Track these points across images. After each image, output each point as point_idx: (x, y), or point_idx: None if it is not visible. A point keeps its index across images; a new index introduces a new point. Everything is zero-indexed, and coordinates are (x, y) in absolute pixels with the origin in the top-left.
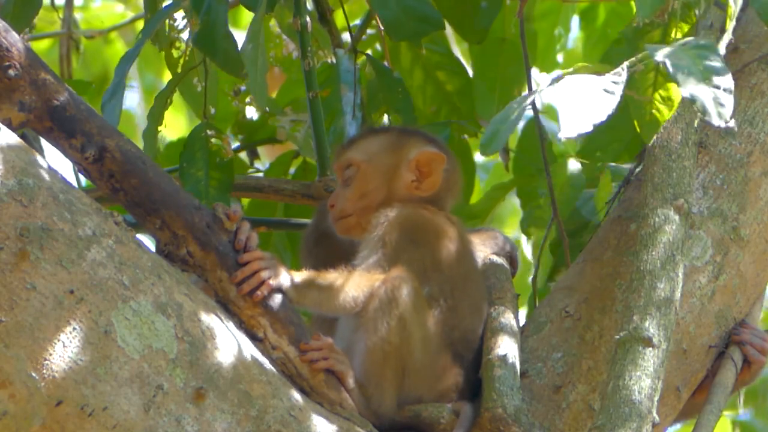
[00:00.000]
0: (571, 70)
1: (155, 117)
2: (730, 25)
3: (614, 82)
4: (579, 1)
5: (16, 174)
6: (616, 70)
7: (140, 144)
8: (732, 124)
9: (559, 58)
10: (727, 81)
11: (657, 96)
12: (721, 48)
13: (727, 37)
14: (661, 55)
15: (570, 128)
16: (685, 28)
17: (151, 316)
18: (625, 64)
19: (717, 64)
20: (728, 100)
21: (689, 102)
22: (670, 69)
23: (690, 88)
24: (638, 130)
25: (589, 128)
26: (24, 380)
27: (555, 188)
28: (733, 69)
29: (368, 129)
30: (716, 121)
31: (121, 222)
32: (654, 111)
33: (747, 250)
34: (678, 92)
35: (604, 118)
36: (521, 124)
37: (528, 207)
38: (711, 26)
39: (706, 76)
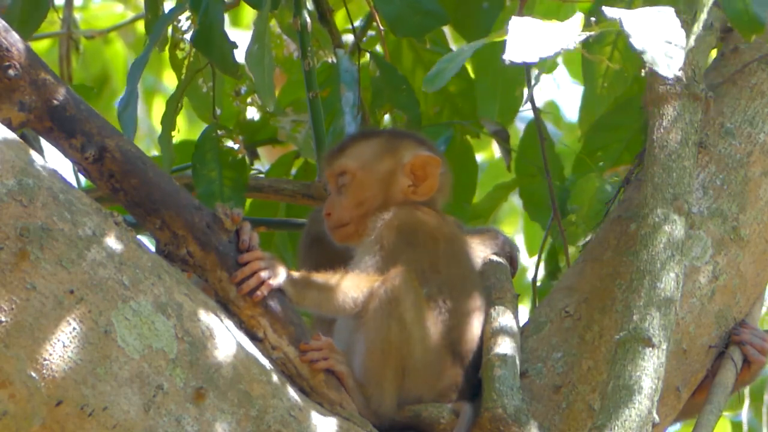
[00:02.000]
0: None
1: (168, 122)
2: (705, 10)
3: (566, 28)
4: (579, 0)
5: (16, 174)
6: (572, 19)
7: (142, 145)
8: (680, 74)
9: (559, 59)
10: (678, 38)
11: (611, 71)
12: (696, 28)
13: (702, 16)
14: (616, 12)
15: (517, 55)
16: None
17: (151, 316)
18: (578, 14)
19: (671, 22)
20: (678, 54)
21: (640, 54)
22: (623, 24)
23: (641, 40)
24: (588, 102)
25: (534, 59)
26: (24, 380)
27: (584, 204)
28: (734, 69)
29: (358, 134)
30: (664, 72)
31: (121, 222)
32: (606, 85)
33: (747, 250)
34: (632, 67)
35: (551, 53)
36: (522, 125)
37: (540, 211)
38: (711, 26)
39: (658, 31)
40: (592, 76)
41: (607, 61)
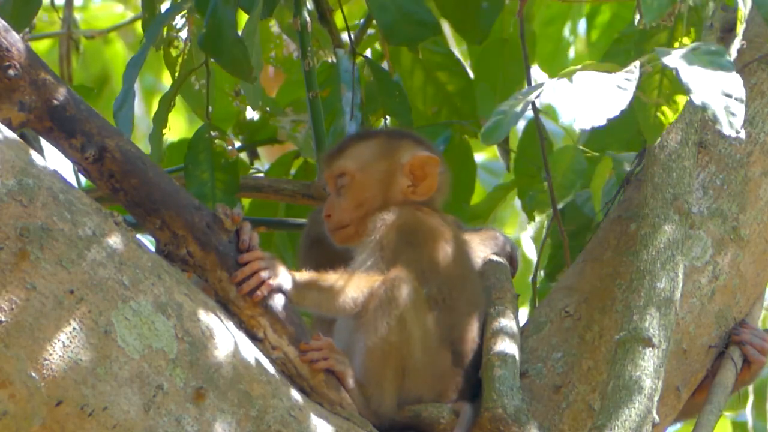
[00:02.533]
0: (579, 67)
1: (160, 120)
2: (741, 28)
3: (627, 79)
4: (582, 1)
5: (16, 174)
6: (628, 68)
7: (142, 145)
8: (742, 134)
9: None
10: (738, 89)
11: (662, 99)
12: (732, 52)
13: (738, 41)
14: (672, 59)
15: (584, 120)
16: (693, 32)
17: (151, 316)
18: (637, 62)
19: (728, 71)
20: (739, 109)
21: (701, 110)
22: (681, 75)
23: (701, 95)
24: (642, 132)
25: (603, 121)
26: (24, 380)
27: (557, 173)
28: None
29: (356, 134)
30: (727, 131)
31: (121, 222)
32: (659, 114)
33: (747, 250)
34: (682, 96)
35: (617, 112)
36: (521, 125)
37: (530, 191)
38: (711, 26)
39: (717, 83)
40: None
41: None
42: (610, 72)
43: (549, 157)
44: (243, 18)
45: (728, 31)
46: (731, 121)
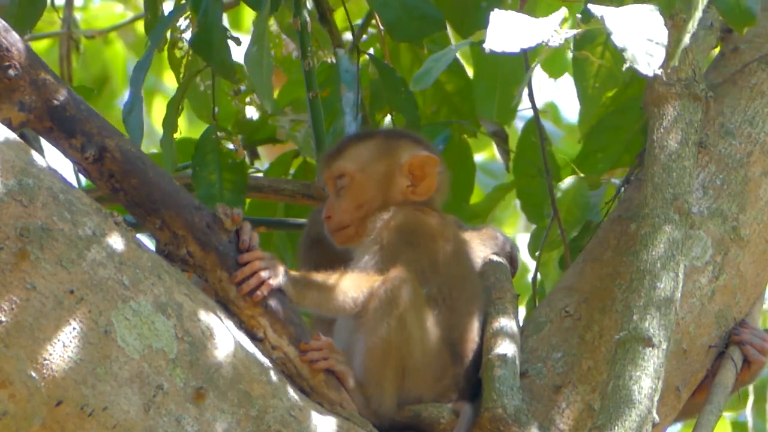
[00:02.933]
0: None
1: (169, 124)
2: (687, 32)
3: (548, 23)
4: (579, 1)
5: (16, 174)
6: (554, 14)
7: (143, 146)
8: (659, 72)
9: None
10: (660, 35)
11: (602, 71)
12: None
13: (697, 14)
14: (601, 10)
15: (496, 42)
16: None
17: (151, 316)
18: (562, 9)
19: (654, 21)
20: (659, 52)
21: (621, 51)
22: (606, 21)
23: (622, 38)
24: (580, 102)
25: (515, 49)
26: (24, 380)
27: (561, 209)
28: (734, 69)
29: (354, 135)
30: (644, 70)
31: (121, 222)
32: (597, 85)
33: (747, 250)
34: (620, 69)
35: (533, 44)
36: (520, 125)
37: (538, 227)
38: (711, 26)
39: (640, 28)
40: (584, 76)
41: (597, 59)
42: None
43: (548, 156)
44: (245, 19)
45: (728, 31)
46: (649, 61)
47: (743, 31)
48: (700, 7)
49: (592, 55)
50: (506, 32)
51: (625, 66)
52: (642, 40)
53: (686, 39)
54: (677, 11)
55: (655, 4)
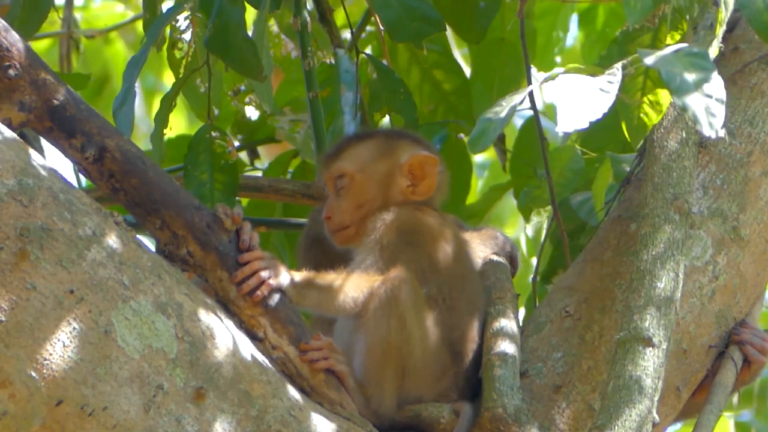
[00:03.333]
0: (564, 69)
1: (161, 120)
2: (720, 30)
3: (609, 82)
4: (579, 1)
5: (16, 174)
6: (610, 71)
7: (142, 145)
8: (722, 134)
9: (557, 58)
10: (718, 90)
11: (645, 100)
12: (711, 53)
13: (717, 42)
14: (653, 60)
15: (567, 123)
16: (676, 35)
17: (151, 315)
18: (620, 64)
19: (709, 72)
20: (719, 110)
21: (681, 110)
22: (664, 76)
23: (682, 96)
24: (626, 133)
25: (585, 125)
26: (24, 380)
27: (554, 172)
28: (734, 69)
29: (353, 135)
30: (707, 132)
31: (121, 222)
32: (642, 115)
33: (747, 250)
34: (666, 97)
35: (599, 115)
36: (519, 123)
37: (525, 187)
38: (711, 26)
39: (698, 84)
40: (628, 108)
41: (638, 93)
42: (595, 75)
43: (548, 157)
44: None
45: (728, 31)
46: (711, 122)
47: None
48: (724, 22)
49: (633, 85)
50: (576, 109)
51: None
52: (702, 98)
53: (712, 53)
54: (693, 19)
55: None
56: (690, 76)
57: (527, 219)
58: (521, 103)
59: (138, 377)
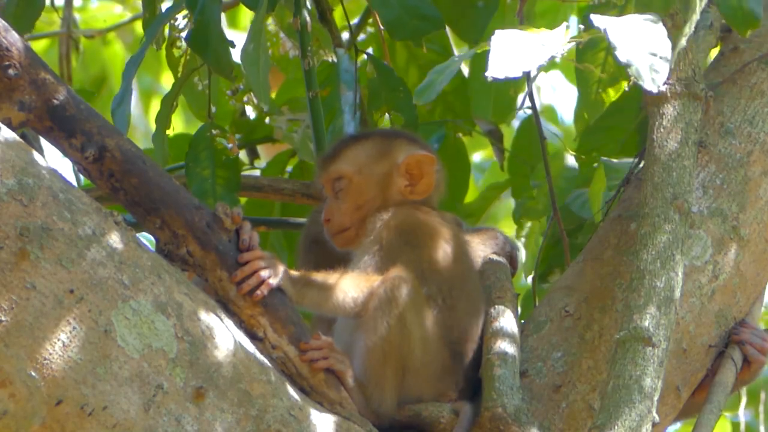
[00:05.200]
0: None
1: (163, 120)
2: (699, 9)
3: (550, 39)
4: (578, 0)
5: (16, 173)
6: (557, 29)
7: (140, 145)
8: (663, 89)
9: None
10: (664, 49)
11: (604, 77)
12: (686, 30)
13: (691, 26)
14: (603, 21)
15: (499, 70)
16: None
17: (151, 315)
18: (564, 24)
19: (658, 34)
20: (663, 67)
21: (625, 67)
22: (609, 35)
23: (626, 53)
24: (582, 108)
25: (518, 73)
26: (24, 379)
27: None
28: (733, 68)
29: (350, 137)
30: (649, 86)
31: (121, 221)
32: (600, 91)
33: (747, 250)
34: (624, 74)
35: (533, 67)
36: (516, 124)
37: (520, 198)
38: (711, 26)
39: (644, 42)
40: (586, 83)
41: (598, 68)
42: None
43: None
44: (243, 18)
45: (728, 31)
46: (653, 77)
47: (746, 34)
48: (698, 9)
49: (594, 60)
50: (509, 55)
51: (630, 82)
52: (646, 55)
53: (683, 41)
54: (676, 11)
55: (653, 7)
56: (635, 34)
57: (520, 228)
58: (468, 57)
59: (138, 377)
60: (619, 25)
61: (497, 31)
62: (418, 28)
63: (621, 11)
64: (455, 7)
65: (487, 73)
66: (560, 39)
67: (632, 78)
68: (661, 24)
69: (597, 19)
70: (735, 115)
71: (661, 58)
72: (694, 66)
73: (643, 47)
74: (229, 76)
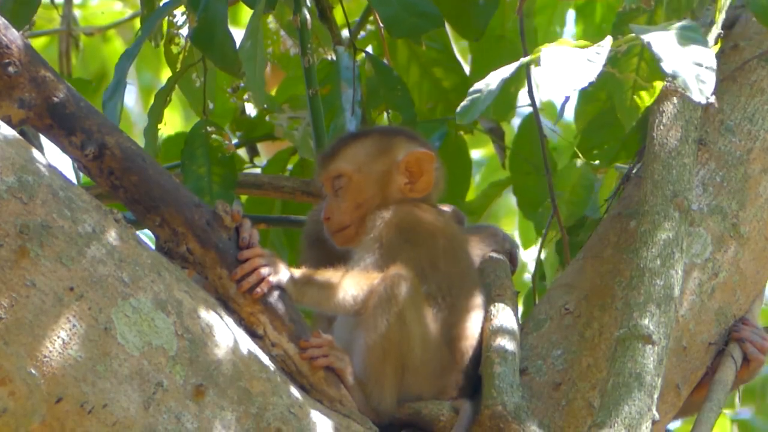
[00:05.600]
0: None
1: (155, 114)
2: (720, 17)
3: (597, 53)
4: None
5: (16, 171)
6: (599, 43)
7: (139, 141)
8: (712, 100)
9: None
10: (709, 59)
11: (639, 82)
12: (710, 39)
13: (716, 29)
14: (645, 33)
15: (550, 90)
16: (673, 18)
17: (151, 313)
18: (609, 38)
19: (700, 42)
20: (710, 77)
21: (672, 78)
22: (653, 47)
23: (672, 64)
24: (618, 114)
25: (570, 92)
26: (24, 377)
27: (566, 190)
28: (733, 66)
29: (349, 135)
30: (697, 97)
31: (121, 219)
32: (635, 97)
33: (747, 248)
34: (660, 80)
35: (585, 83)
36: (517, 122)
37: (534, 209)
38: (711, 23)
39: (688, 53)
40: (621, 89)
41: (632, 74)
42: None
43: (549, 158)
44: (243, 16)
45: (728, 28)
46: (701, 88)
47: None
48: (725, 10)
49: (627, 67)
50: (559, 74)
51: (668, 83)
52: (692, 65)
53: (711, 40)
54: (693, 13)
55: (682, 11)
56: (679, 45)
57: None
58: (512, 76)
59: (138, 374)
60: (662, 36)
61: (545, 50)
62: (416, 26)
63: (651, 16)
64: (455, 5)
65: (540, 94)
66: (606, 51)
67: (680, 89)
68: (701, 31)
69: (638, 30)
70: (735, 112)
71: (707, 68)
72: None
73: (688, 58)
74: (237, 73)
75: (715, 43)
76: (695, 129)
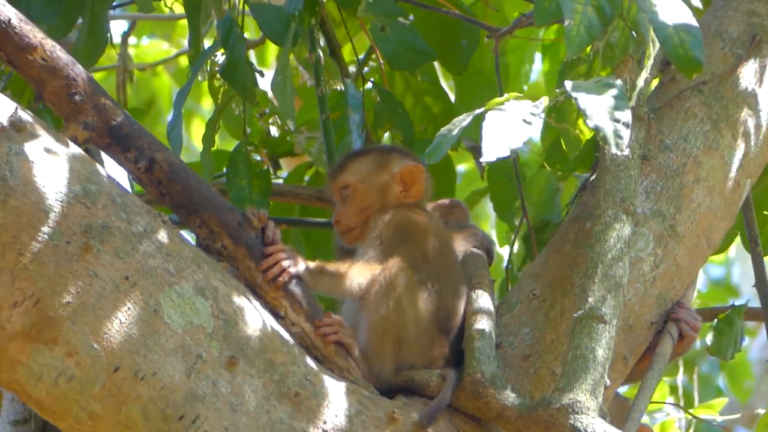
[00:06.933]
0: (499, 100)
1: (208, 140)
2: (649, 63)
3: (532, 114)
4: (540, 40)
5: (81, 181)
6: (535, 103)
7: (183, 158)
8: (626, 152)
9: (525, 87)
10: (626, 116)
11: (581, 120)
12: (632, 99)
13: (645, 73)
14: (575, 89)
15: (490, 153)
16: (609, 68)
17: (192, 297)
18: (544, 98)
19: (620, 100)
20: (625, 133)
21: (595, 131)
22: (580, 104)
23: (595, 119)
24: (563, 146)
25: (507, 153)
26: (87, 350)
27: (535, 192)
28: (671, 95)
29: (353, 152)
30: (614, 150)
31: (167, 220)
32: (577, 131)
33: (682, 244)
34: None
35: (520, 144)
36: None
37: (508, 213)
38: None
39: (609, 111)
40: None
41: (573, 115)
42: (533, 102)
43: (520, 171)
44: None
45: (666, 64)
46: (618, 142)
47: (692, 77)
48: (653, 57)
49: (570, 107)
50: (497, 139)
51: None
52: (611, 122)
53: (641, 82)
54: (633, 54)
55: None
56: (602, 103)
57: (509, 226)
58: (468, 125)
59: (181, 348)
60: (588, 91)
61: (488, 116)
62: (413, 60)
63: (589, 66)
64: (442, 45)
65: (481, 159)
66: (540, 111)
67: (600, 141)
68: (622, 88)
69: (569, 86)
70: (672, 133)
71: (623, 124)
72: (639, 94)
73: (608, 115)
74: (253, 101)
75: (656, 77)
76: (640, 147)
